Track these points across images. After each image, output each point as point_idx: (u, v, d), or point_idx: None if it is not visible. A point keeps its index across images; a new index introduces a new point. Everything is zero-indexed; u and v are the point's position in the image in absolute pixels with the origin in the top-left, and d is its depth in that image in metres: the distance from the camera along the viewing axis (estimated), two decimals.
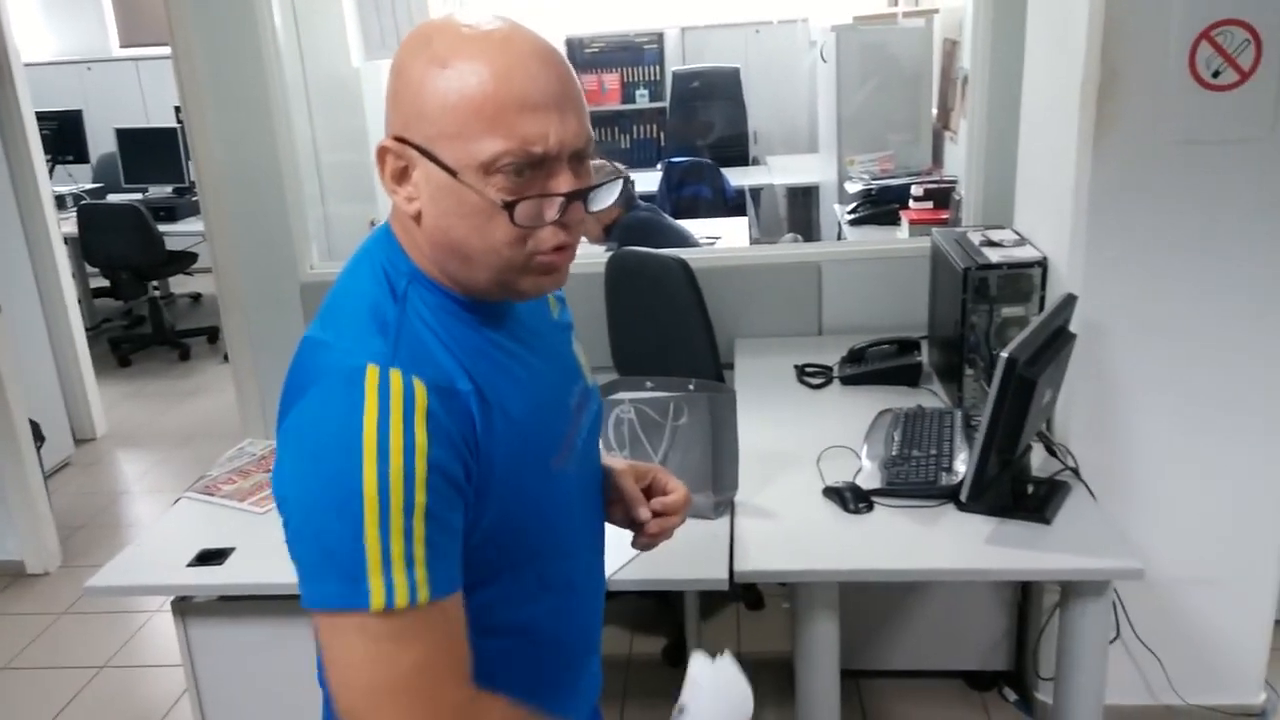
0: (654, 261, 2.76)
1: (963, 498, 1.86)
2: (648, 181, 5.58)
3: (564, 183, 0.90)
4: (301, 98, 3.08)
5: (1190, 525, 2.29)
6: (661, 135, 6.62)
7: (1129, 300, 2.15)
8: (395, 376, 0.87)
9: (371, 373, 0.87)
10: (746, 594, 2.97)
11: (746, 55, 6.42)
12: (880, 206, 4.14)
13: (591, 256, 2.94)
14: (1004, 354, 1.74)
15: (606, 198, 0.95)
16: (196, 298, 6.75)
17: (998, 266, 2.31)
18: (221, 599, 1.95)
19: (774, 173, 5.92)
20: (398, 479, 0.84)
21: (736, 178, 5.71)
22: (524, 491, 0.96)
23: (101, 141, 6.22)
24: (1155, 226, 2.10)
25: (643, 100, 6.66)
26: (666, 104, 6.47)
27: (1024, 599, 2.50)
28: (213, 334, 5.75)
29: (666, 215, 3.47)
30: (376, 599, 0.83)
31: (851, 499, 1.96)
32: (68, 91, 6.65)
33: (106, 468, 4.33)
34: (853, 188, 4.33)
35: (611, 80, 6.67)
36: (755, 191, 5.85)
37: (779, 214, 5.96)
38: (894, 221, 4.04)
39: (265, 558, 1.91)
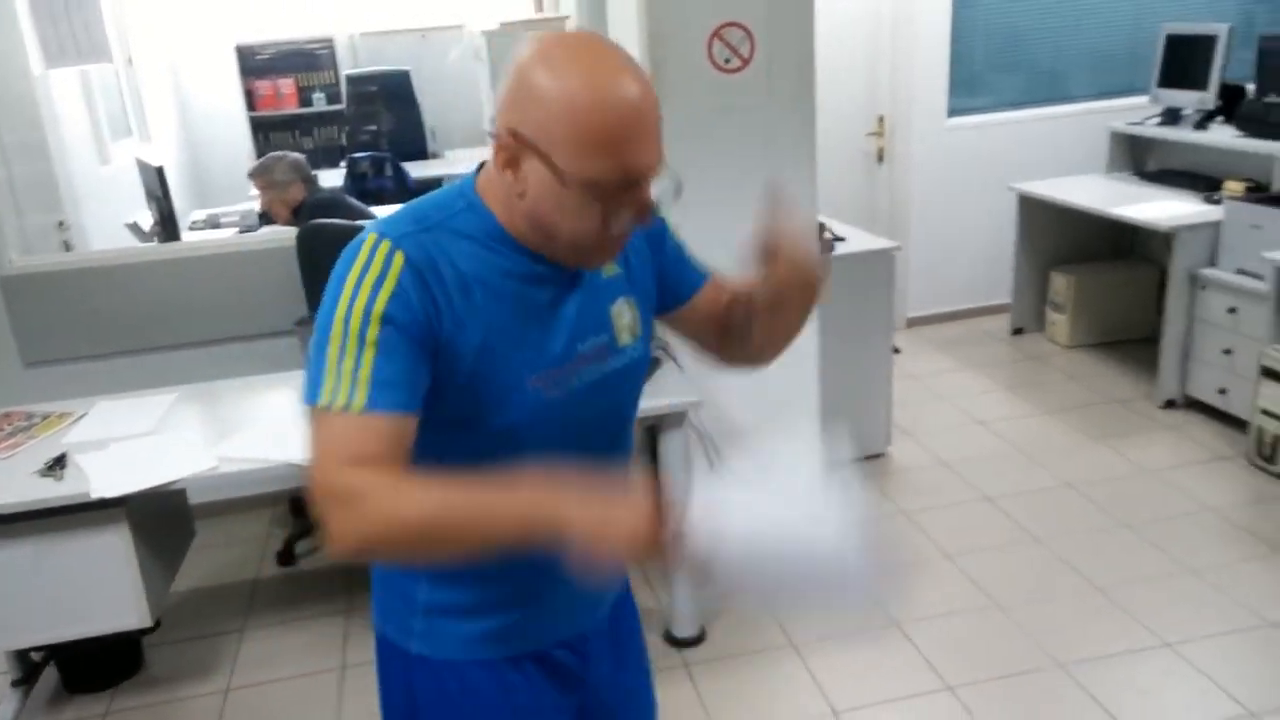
0: (348, 231, 3.29)
1: None
2: (333, 179, 5.99)
3: (646, 193, 1.13)
4: None
5: (756, 386, 3.16)
6: (343, 135, 7.01)
7: (694, 224, 2.96)
8: (385, 245, 1.11)
9: (370, 239, 1.12)
10: None
11: (417, 59, 6.95)
12: None
13: (280, 236, 3.43)
14: None
15: (668, 200, 1.20)
16: None
17: None
18: None
19: (453, 165, 6.52)
20: (358, 316, 1.08)
21: (417, 170, 6.26)
22: (489, 386, 1.14)
23: None
24: (704, 171, 2.94)
25: (320, 103, 7.00)
26: (344, 106, 6.87)
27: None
28: None
29: (347, 196, 3.98)
30: (324, 397, 1.08)
31: None
32: None
33: None
34: None
35: (286, 85, 6.95)
36: (439, 181, 6.42)
37: None
38: None
39: (16, 482, 2.28)
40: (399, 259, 1.10)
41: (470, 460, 1.12)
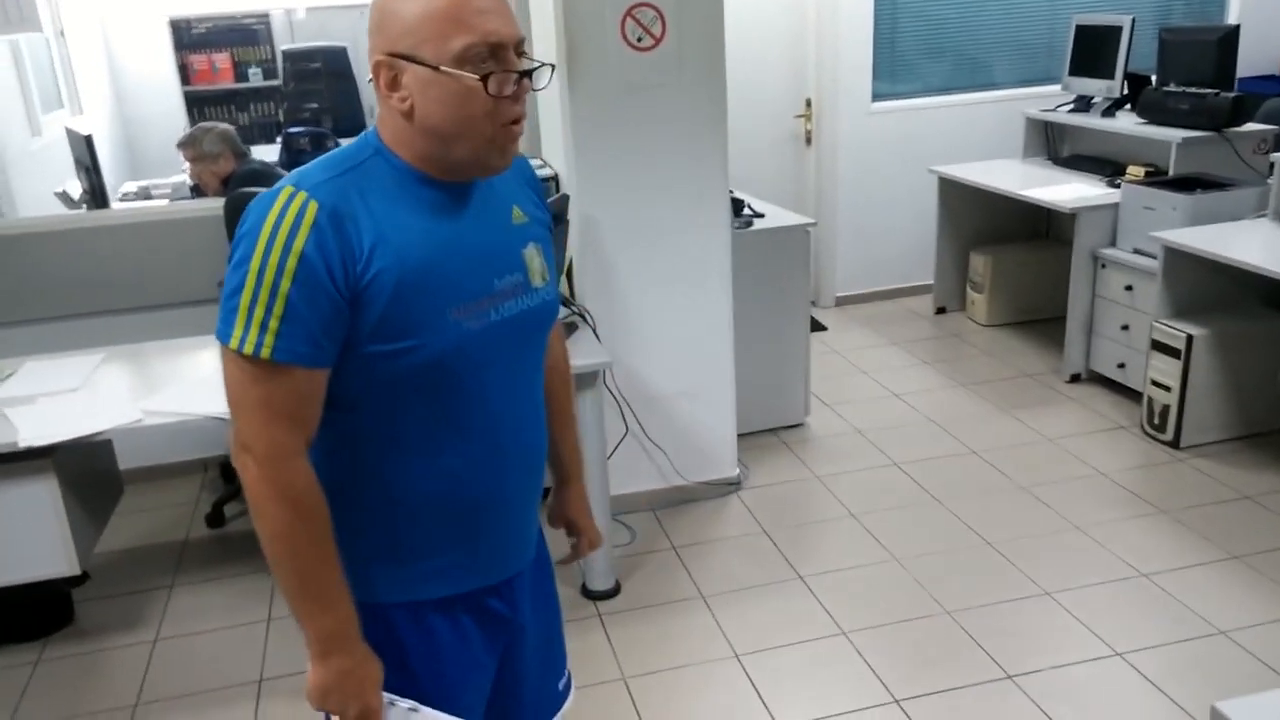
0: None
1: None
2: (269, 154, 6.00)
3: (516, 64, 1.22)
4: None
5: (673, 353, 3.32)
6: (280, 111, 7.01)
7: (609, 198, 3.11)
8: (299, 197, 1.17)
9: (285, 191, 1.18)
10: None
11: (355, 34, 6.96)
12: None
13: (207, 205, 3.50)
14: None
15: (543, 77, 1.26)
16: None
17: None
18: None
19: None
20: (272, 266, 1.15)
21: None
22: (412, 318, 1.21)
23: None
24: (618, 146, 3.07)
25: (256, 79, 6.98)
26: (280, 81, 6.86)
27: None
28: None
29: (278, 168, 4.04)
30: (234, 342, 1.17)
31: None
32: None
33: None
34: None
35: (222, 60, 6.93)
36: None
37: None
38: None
39: None
40: (312, 208, 1.16)
41: (410, 397, 1.24)
